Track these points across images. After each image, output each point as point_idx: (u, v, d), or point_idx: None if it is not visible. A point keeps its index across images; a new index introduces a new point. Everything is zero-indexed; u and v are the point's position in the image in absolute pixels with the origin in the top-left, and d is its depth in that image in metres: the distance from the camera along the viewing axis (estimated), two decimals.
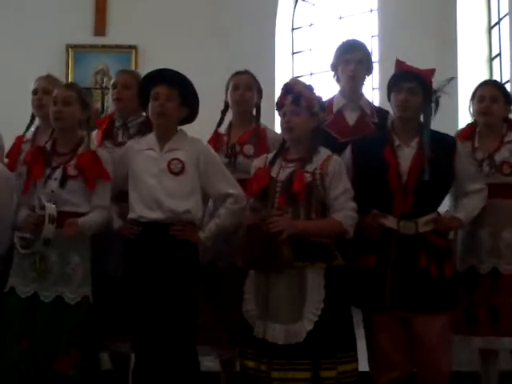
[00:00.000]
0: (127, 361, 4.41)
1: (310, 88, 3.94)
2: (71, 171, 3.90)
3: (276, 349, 3.68)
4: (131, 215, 3.92)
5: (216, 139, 4.40)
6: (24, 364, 3.77)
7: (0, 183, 3.95)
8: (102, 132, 4.43)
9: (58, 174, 3.90)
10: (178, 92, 3.94)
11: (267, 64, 8.18)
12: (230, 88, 4.45)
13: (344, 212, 3.78)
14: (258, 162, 4.02)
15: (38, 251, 3.79)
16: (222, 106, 4.57)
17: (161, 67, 4.11)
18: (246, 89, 4.43)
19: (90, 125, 4.15)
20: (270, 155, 4.00)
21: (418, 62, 4.03)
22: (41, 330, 3.80)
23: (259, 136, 4.36)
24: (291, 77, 8.45)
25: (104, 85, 7.93)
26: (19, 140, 4.47)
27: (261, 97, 4.52)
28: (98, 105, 7.98)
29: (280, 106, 3.90)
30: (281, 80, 8.25)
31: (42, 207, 3.76)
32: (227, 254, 4.14)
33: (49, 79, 4.55)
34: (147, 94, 3.98)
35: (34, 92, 4.49)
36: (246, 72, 4.51)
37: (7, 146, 4.58)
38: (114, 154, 4.18)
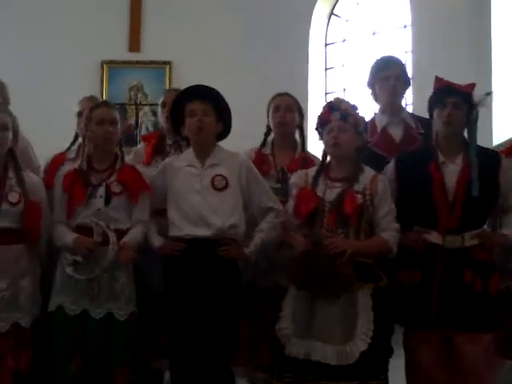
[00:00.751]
0: (161, 378, 4.42)
1: (355, 107, 3.94)
2: (115, 188, 3.94)
3: (322, 369, 3.66)
4: (175, 233, 3.92)
5: (261, 160, 4.37)
6: (78, 381, 3.80)
7: (40, 193, 3.99)
8: (153, 148, 4.45)
9: (101, 191, 3.93)
10: (212, 107, 3.95)
11: (300, 80, 8.17)
12: (271, 110, 4.45)
13: (389, 232, 3.79)
14: (297, 179, 4.00)
15: (95, 278, 3.83)
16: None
17: (195, 83, 4.13)
18: (286, 110, 4.42)
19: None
20: (311, 171, 3.99)
21: (453, 77, 4.01)
22: (92, 346, 3.84)
23: (308, 162, 4.31)
24: (324, 93, 8.47)
25: (138, 100, 7.97)
26: (61, 157, 4.50)
27: (303, 118, 4.51)
28: (132, 120, 8.05)
29: (324, 122, 3.89)
30: (314, 96, 8.27)
31: (102, 233, 3.81)
32: (268, 272, 4.13)
33: (93, 100, 4.61)
34: (180, 112, 4.00)
35: (80, 114, 4.53)
36: (286, 94, 4.51)
37: (40, 158, 4.65)
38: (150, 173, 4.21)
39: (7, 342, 3.79)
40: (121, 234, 3.89)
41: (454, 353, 3.82)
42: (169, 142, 4.50)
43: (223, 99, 4.04)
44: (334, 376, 3.65)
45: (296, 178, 4.03)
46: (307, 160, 4.35)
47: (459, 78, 4.05)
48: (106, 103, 4.34)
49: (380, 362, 3.73)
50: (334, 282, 3.66)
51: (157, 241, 3.98)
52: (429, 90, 4.05)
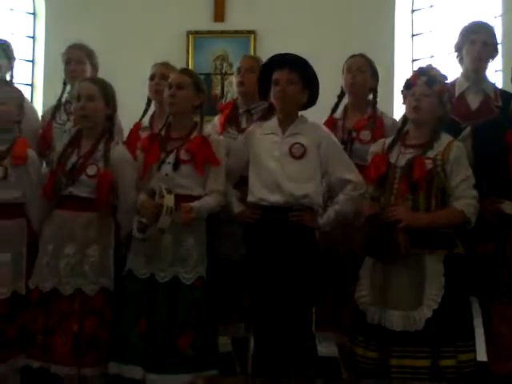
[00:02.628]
0: (246, 344, 4.48)
1: (444, 77, 3.87)
2: (183, 155, 3.98)
3: (394, 336, 3.65)
4: (250, 198, 3.96)
5: (331, 124, 4.38)
6: (142, 343, 3.89)
7: (124, 167, 4.06)
8: (225, 118, 4.48)
9: (171, 158, 3.98)
10: (299, 76, 3.94)
11: (387, 46, 8.07)
12: (345, 71, 4.43)
13: (465, 200, 3.70)
14: (375, 148, 3.98)
15: (151, 237, 3.88)
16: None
17: (279, 52, 4.13)
18: (358, 71, 4.39)
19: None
20: (388, 140, 3.96)
21: None
22: (158, 309, 3.90)
23: (376, 122, 4.31)
24: (411, 60, 8.34)
25: (223, 70, 8.00)
26: (137, 126, 4.59)
27: (377, 80, 4.47)
28: (218, 90, 8.09)
29: (410, 85, 3.83)
30: (400, 63, 8.15)
31: (162, 196, 3.84)
32: (346, 239, 4.12)
33: (166, 65, 4.66)
34: (268, 79, 4.00)
35: (152, 77, 4.59)
36: (360, 55, 4.48)
37: (126, 131, 4.73)
38: (237, 140, 4.24)
39: (72, 305, 3.90)
40: (191, 200, 3.93)
41: None
42: (241, 110, 4.51)
43: (311, 68, 4.03)
44: (405, 342, 3.63)
45: (374, 147, 4.00)
46: (376, 118, 4.32)
47: None
48: (181, 69, 4.36)
49: (455, 329, 3.66)
50: (391, 247, 3.64)
51: (236, 207, 4.04)
52: None
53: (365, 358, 3.77)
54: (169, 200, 3.82)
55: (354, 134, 4.32)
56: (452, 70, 4.80)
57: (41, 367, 3.98)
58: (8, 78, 4.84)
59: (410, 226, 3.64)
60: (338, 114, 4.52)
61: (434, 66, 3.98)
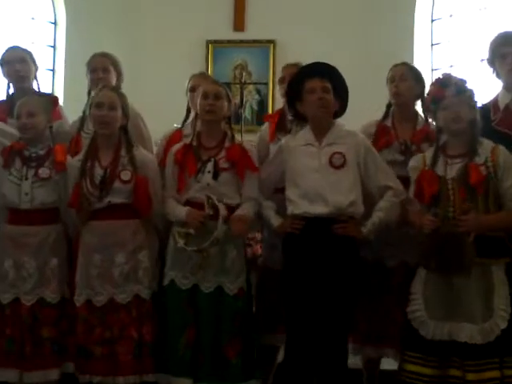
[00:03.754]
0: (274, 352, 4.46)
1: (465, 81, 3.88)
2: (223, 164, 4.02)
3: (460, 350, 3.63)
4: (293, 211, 3.95)
5: (383, 132, 4.34)
6: (191, 353, 3.92)
7: (150, 169, 4.11)
8: (275, 126, 4.49)
9: (209, 167, 4.00)
10: (330, 84, 3.95)
11: (406, 55, 8.02)
12: (388, 81, 4.41)
13: None
14: (415, 162, 3.96)
15: (205, 249, 3.90)
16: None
17: (299, 61, 4.13)
18: (400, 80, 4.36)
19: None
20: (427, 153, 3.92)
21: None
22: (205, 319, 3.94)
23: (431, 135, 4.22)
24: (430, 69, 8.32)
25: (243, 80, 8.01)
26: (177, 135, 4.59)
27: (423, 87, 4.40)
28: (237, 100, 8.11)
29: (439, 99, 3.81)
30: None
31: (213, 206, 3.87)
32: (397, 251, 4.11)
33: (204, 76, 4.70)
34: (297, 89, 4.01)
35: (192, 89, 4.60)
36: (402, 64, 4.46)
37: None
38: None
39: (130, 313, 3.94)
40: (230, 209, 3.96)
41: None
42: (289, 118, 4.53)
43: (341, 77, 4.05)
44: (476, 355, 3.61)
45: (414, 162, 3.99)
46: (430, 132, 4.28)
47: None
48: (213, 79, 4.43)
49: None
50: (458, 260, 3.63)
51: (276, 221, 4.04)
52: None
53: (420, 375, 3.72)
54: (223, 209, 3.87)
55: (414, 148, 4.27)
56: (471, 78, 4.80)
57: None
58: (35, 86, 4.88)
59: (478, 234, 3.63)
60: (386, 121, 4.47)
61: (449, 72, 3.99)
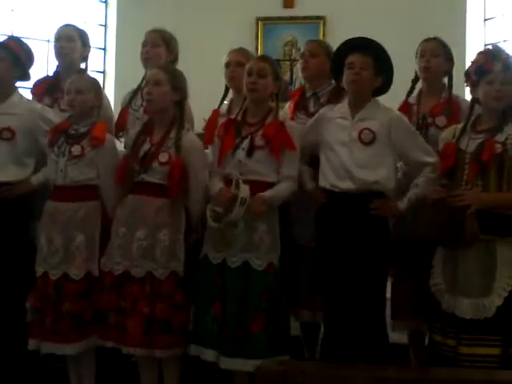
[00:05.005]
0: (317, 329, 4.49)
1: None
2: (258, 141, 4.00)
3: (465, 324, 3.62)
4: (322, 183, 3.97)
5: (406, 109, 4.33)
6: (217, 326, 3.94)
7: (195, 155, 4.10)
8: (294, 104, 4.49)
9: (245, 143, 4.00)
10: (373, 60, 3.91)
11: (458, 30, 7.96)
12: (418, 56, 4.39)
13: None
14: (446, 134, 3.93)
15: (225, 227, 3.91)
16: (409, 78, 4.51)
17: (348, 37, 4.10)
18: (431, 55, 4.33)
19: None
20: (460, 126, 3.91)
21: None
22: (231, 294, 3.94)
23: (452, 107, 4.24)
24: (483, 44, 8.19)
25: (293, 57, 7.99)
26: (216, 113, 4.62)
27: (452, 64, 4.40)
28: (287, 77, 8.09)
29: (485, 71, 3.75)
30: (472, 47, 8.01)
31: (237, 187, 3.87)
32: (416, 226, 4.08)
33: (241, 52, 4.67)
34: (341, 64, 3.99)
35: (227, 65, 4.61)
36: (433, 38, 4.41)
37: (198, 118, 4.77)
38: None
39: (143, 288, 3.97)
40: (265, 186, 3.95)
41: None
42: (308, 94, 4.51)
43: (385, 53, 4.00)
44: (475, 330, 3.60)
45: (445, 133, 3.96)
46: (451, 103, 4.26)
47: None
48: (260, 56, 4.40)
49: None
50: (459, 233, 3.60)
51: (308, 184, 4.06)
52: None
53: (443, 345, 3.74)
54: (244, 191, 3.85)
55: (430, 120, 4.27)
56: None
57: (114, 349, 4.07)
58: (83, 66, 4.93)
59: (479, 208, 3.60)
60: (412, 98, 4.48)
61: (500, 47, 3.92)
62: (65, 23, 5.07)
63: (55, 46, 4.88)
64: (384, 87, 4.03)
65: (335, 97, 4.29)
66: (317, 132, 4.06)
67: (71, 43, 4.83)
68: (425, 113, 4.32)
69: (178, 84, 4.14)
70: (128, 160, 4.09)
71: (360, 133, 3.91)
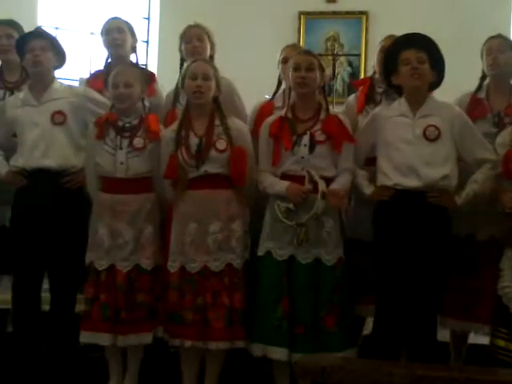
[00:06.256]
0: (361, 323, 4.49)
1: None
2: (319, 136, 4.01)
3: None
4: (384, 182, 3.94)
5: (476, 104, 4.29)
6: (287, 323, 3.95)
7: (245, 139, 4.14)
8: (365, 96, 4.48)
9: (305, 140, 4.01)
10: (427, 55, 3.90)
11: (503, 27, 7.85)
12: (484, 54, 4.38)
13: None
14: (502, 139, 3.93)
15: (304, 224, 3.94)
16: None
17: (391, 33, 4.09)
18: (498, 52, 4.33)
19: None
20: None
21: None
22: (301, 290, 3.97)
23: None
24: None
25: (335, 51, 7.96)
26: (268, 106, 4.61)
27: None
28: (329, 71, 8.07)
29: None
30: None
31: (312, 181, 3.90)
32: (488, 225, 4.06)
33: (297, 47, 4.70)
34: (393, 61, 3.97)
35: (284, 60, 4.62)
36: (499, 35, 4.44)
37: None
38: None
39: (222, 281, 4.00)
40: (326, 181, 3.97)
41: None
42: (379, 90, 4.49)
43: (437, 48, 3.99)
44: None
45: (500, 138, 3.93)
46: None
47: None
48: (305, 50, 4.42)
49: None
50: None
51: (368, 189, 4.04)
52: None
53: (506, 350, 3.70)
54: (322, 185, 3.89)
55: (507, 120, 4.21)
56: None
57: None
58: (133, 57, 4.97)
59: None
60: (482, 93, 4.42)
61: None
62: (112, 16, 5.12)
63: (105, 38, 4.92)
64: (437, 82, 4.02)
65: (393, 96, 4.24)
66: (374, 133, 4.05)
67: (122, 34, 4.88)
68: (500, 110, 4.27)
69: (218, 79, 4.16)
70: (175, 158, 4.07)
71: (425, 130, 3.89)
